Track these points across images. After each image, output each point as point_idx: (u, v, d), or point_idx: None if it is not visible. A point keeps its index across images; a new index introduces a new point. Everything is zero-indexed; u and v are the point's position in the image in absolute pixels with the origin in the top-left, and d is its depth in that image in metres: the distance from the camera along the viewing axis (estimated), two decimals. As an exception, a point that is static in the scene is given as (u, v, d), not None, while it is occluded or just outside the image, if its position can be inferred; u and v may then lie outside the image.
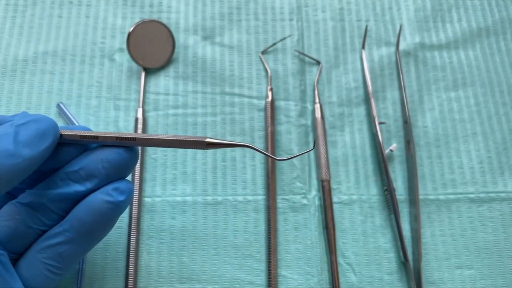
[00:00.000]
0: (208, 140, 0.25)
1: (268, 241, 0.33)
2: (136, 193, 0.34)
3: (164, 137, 0.26)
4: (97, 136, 0.26)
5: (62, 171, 0.26)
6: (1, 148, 0.22)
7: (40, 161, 0.24)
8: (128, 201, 0.26)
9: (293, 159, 0.36)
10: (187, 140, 0.25)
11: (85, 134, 0.26)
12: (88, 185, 0.25)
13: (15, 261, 0.26)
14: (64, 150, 0.26)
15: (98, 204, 0.25)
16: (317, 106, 0.37)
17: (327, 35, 0.41)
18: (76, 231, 0.25)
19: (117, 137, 0.25)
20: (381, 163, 0.35)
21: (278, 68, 0.39)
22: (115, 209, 0.25)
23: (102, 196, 0.25)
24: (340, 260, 0.34)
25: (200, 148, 0.25)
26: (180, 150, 0.36)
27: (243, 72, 0.39)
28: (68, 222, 0.25)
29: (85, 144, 0.26)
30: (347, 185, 0.36)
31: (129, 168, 0.26)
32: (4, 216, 0.25)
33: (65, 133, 0.26)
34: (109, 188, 0.25)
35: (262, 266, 0.33)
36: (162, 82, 0.38)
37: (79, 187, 0.25)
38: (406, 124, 0.37)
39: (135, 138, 0.25)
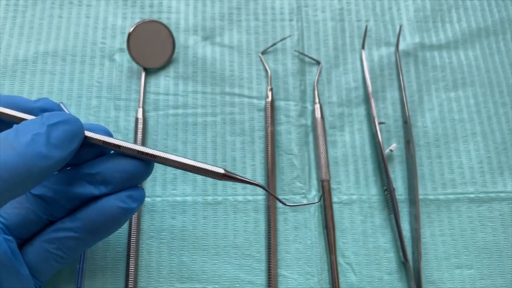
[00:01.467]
0: (224, 172, 0.26)
1: (268, 241, 0.33)
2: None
3: (182, 160, 0.26)
4: (120, 146, 0.26)
5: (78, 171, 0.27)
6: (36, 150, 0.22)
7: (66, 161, 0.24)
8: (139, 207, 0.27)
9: (293, 158, 0.36)
10: (203, 168, 0.26)
11: (108, 141, 0.26)
12: (103, 190, 0.26)
13: (19, 246, 0.27)
14: (84, 150, 0.26)
15: (113, 209, 0.26)
16: (317, 106, 0.37)
17: (327, 35, 0.41)
18: (86, 231, 0.26)
19: (138, 151, 0.26)
20: (381, 163, 0.35)
21: (278, 68, 0.39)
22: (127, 214, 0.26)
23: (117, 203, 0.26)
24: (340, 260, 0.34)
25: (214, 178, 0.26)
26: (180, 150, 0.36)
27: (243, 72, 0.39)
28: (79, 220, 0.26)
29: (105, 148, 0.27)
30: (347, 185, 0.36)
31: (143, 179, 0.27)
32: (15, 204, 0.26)
33: (89, 135, 0.26)
34: (123, 195, 0.26)
35: (262, 266, 0.33)
36: (162, 82, 0.38)
37: (93, 190, 0.26)
38: (406, 124, 0.37)
39: (155, 155, 0.26)
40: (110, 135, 0.28)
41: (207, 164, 0.26)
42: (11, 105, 0.26)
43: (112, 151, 0.27)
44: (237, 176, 0.26)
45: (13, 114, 0.26)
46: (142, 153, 0.26)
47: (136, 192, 0.27)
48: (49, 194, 0.26)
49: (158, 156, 0.26)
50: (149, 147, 0.27)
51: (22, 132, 0.23)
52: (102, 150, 0.27)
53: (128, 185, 0.27)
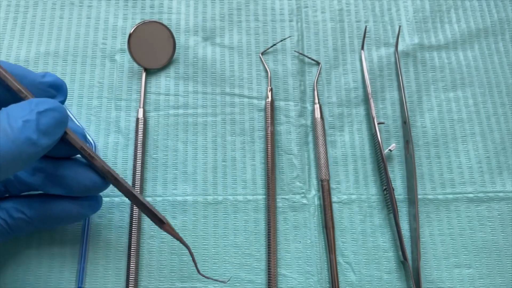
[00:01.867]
0: (165, 223, 0.28)
1: (268, 240, 0.34)
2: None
3: (139, 196, 0.28)
4: (93, 158, 0.27)
5: (42, 166, 0.27)
6: (27, 137, 0.23)
7: (50, 148, 0.25)
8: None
9: (293, 158, 0.36)
10: (151, 211, 0.28)
11: (85, 149, 0.27)
12: (58, 191, 0.28)
13: None
14: (56, 145, 0.26)
15: (72, 212, 0.28)
16: (317, 106, 0.37)
17: (327, 36, 0.41)
18: (40, 220, 0.28)
19: (108, 171, 0.28)
20: (380, 163, 0.36)
21: (278, 69, 0.39)
22: (83, 218, 0.30)
23: (77, 208, 0.28)
24: (340, 259, 0.34)
25: (155, 223, 0.28)
26: (181, 150, 0.36)
27: (243, 72, 0.39)
28: (36, 210, 0.28)
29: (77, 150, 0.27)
30: (347, 185, 0.36)
31: (98, 193, 0.30)
32: None
33: (71, 136, 0.26)
34: (85, 203, 0.29)
35: (262, 265, 0.33)
36: (163, 82, 0.39)
37: (50, 189, 0.27)
38: (405, 124, 0.37)
39: (119, 181, 0.28)
40: (85, 138, 0.29)
41: (155, 209, 0.28)
42: (20, 76, 0.26)
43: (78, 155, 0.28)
44: (174, 233, 0.29)
45: (19, 88, 0.25)
46: (109, 173, 0.28)
47: (95, 202, 0.30)
48: (10, 177, 0.27)
49: (121, 183, 0.28)
50: (115, 171, 0.28)
51: (13, 118, 0.23)
52: (71, 151, 0.27)
53: (83, 195, 0.28)
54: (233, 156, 0.36)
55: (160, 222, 0.28)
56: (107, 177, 0.28)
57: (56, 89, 0.28)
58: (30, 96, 0.26)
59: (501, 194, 0.36)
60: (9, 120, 0.23)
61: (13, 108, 0.24)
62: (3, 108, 0.24)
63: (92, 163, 0.27)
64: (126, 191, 0.28)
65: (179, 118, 0.37)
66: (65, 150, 0.27)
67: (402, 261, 0.33)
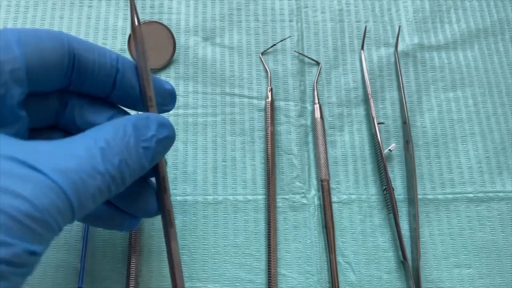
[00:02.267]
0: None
1: (268, 240, 0.34)
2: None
3: (175, 252, 0.27)
4: (166, 193, 0.26)
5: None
6: (142, 164, 0.22)
7: None
8: None
9: (293, 158, 0.36)
10: (176, 274, 0.26)
11: (165, 180, 0.26)
12: (113, 199, 0.27)
13: None
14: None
15: (110, 221, 0.27)
16: (317, 106, 0.37)
17: (327, 36, 0.41)
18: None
19: (169, 212, 0.26)
20: (380, 163, 0.36)
21: (278, 69, 0.39)
22: (116, 229, 0.29)
23: (118, 220, 0.28)
24: (340, 259, 0.34)
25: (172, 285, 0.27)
26: (181, 150, 0.36)
27: (243, 72, 0.39)
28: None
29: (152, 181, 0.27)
30: (346, 185, 0.36)
31: (148, 217, 0.30)
32: None
33: (162, 162, 0.26)
34: (127, 218, 0.28)
35: (262, 265, 0.33)
36: (163, 82, 0.39)
37: (111, 197, 0.26)
38: (405, 124, 0.37)
39: (171, 225, 0.26)
40: (166, 165, 0.28)
41: (182, 275, 0.27)
42: (154, 81, 0.26)
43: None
44: None
45: (151, 96, 0.25)
46: (168, 214, 0.26)
47: (135, 222, 0.28)
48: None
49: (171, 229, 0.26)
50: (174, 218, 0.27)
51: (137, 139, 0.22)
52: (150, 175, 0.27)
53: (133, 213, 0.28)
54: (233, 156, 0.37)
55: (175, 286, 0.27)
56: (164, 216, 0.26)
57: (171, 98, 0.28)
58: (154, 109, 0.25)
59: (501, 194, 0.36)
60: (135, 143, 0.22)
61: (138, 124, 0.23)
62: (128, 119, 0.23)
63: (161, 197, 0.26)
64: (169, 238, 0.27)
65: (179, 118, 0.37)
66: (147, 172, 0.26)
67: (402, 261, 0.33)
